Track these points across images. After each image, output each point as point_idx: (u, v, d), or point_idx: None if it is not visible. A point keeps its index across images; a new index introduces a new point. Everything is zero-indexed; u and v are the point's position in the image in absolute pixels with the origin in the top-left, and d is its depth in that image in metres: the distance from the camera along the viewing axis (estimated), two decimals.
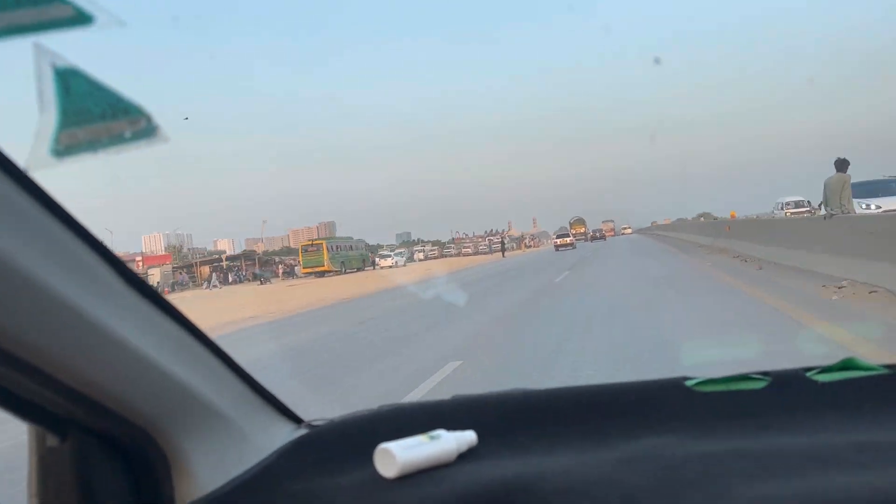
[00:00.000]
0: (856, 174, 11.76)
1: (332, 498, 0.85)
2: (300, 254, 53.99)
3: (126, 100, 0.67)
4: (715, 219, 43.04)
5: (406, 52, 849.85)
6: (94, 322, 0.69)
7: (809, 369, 0.97)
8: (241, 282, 59.51)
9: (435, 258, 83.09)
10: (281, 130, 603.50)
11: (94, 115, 0.66)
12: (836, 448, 0.78)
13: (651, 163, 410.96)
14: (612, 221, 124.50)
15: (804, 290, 9.39)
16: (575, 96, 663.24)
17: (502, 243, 60.34)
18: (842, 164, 11.28)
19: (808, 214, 22.51)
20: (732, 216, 25.35)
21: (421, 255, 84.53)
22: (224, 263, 66.33)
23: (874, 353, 5.32)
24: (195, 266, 66.43)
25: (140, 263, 64.96)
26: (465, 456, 0.92)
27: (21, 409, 0.77)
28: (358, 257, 56.42)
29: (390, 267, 58.03)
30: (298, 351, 9.53)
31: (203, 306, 24.27)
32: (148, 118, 0.68)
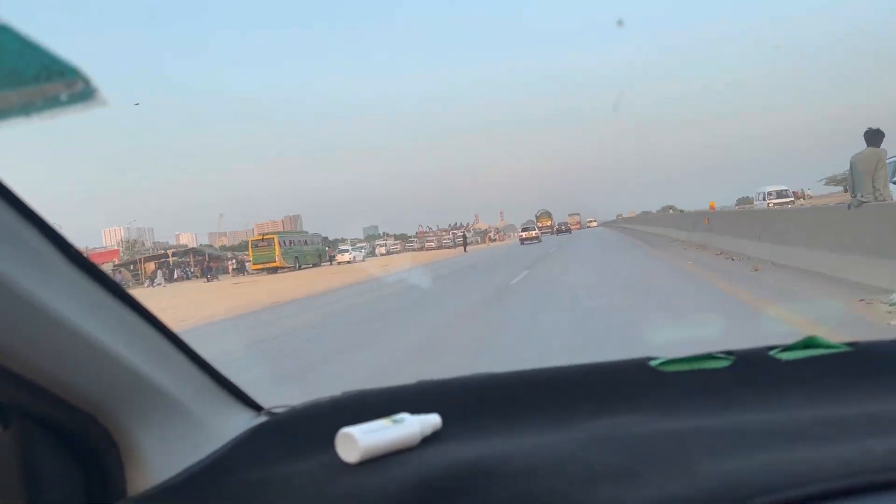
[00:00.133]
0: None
1: (291, 485, 0.84)
2: (250, 249, 51.13)
3: (62, 60, 0.64)
4: (681, 211, 41.33)
5: (373, 44, 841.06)
6: (35, 303, 0.67)
7: (772, 348, 0.99)
8: (188, 278, 56.46)
9: (397, 252, 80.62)
10: (249, 124, 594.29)
11: (27, 76, 0.63)
12: (801, 423, 0.80)
13: (616, 156, 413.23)
14: (578, 215, 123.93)
15: (840, 306, 6.84)
16: (543, 91, 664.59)
17: (464, 238, 58.23)
18: (874, 137, 8.48)
19: (792, 205, 20.63)
20: (712, 207, 23.04)
21: (383, 250, 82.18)
22: (171, 259, 62.78)
23: None
24: (139, 262, 62.71)
25: None
26: (430, 439, 0.91)
27: None
28: (313, 252, 54.08)
29: (348, 262, 55.73)
30: None
31: None
32: (85, 80, 0.64)
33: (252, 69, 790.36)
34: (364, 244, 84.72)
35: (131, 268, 60.93)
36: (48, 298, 0.69)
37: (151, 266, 61.02)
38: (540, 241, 52.31)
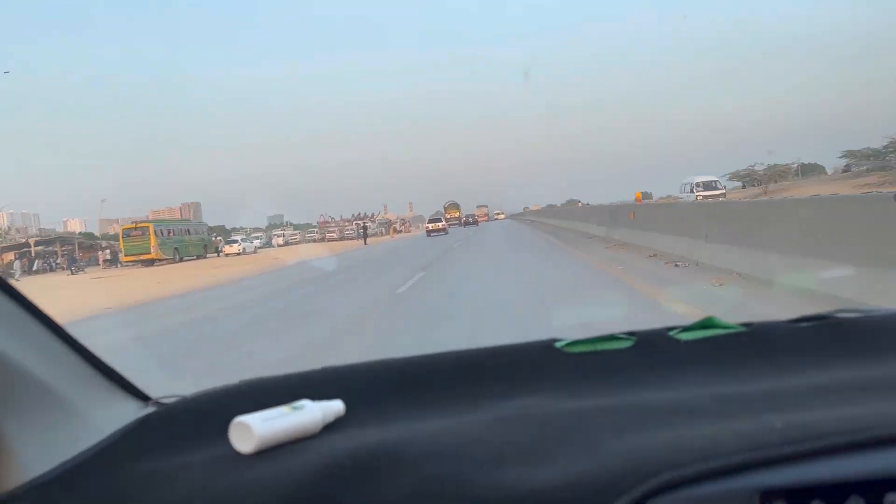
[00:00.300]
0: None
1: (179, 477, 0.80)
2: (121, 239, 45.45)
3: None
4: (587, 205, 39.83)
5: (282, 31, 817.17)
6: None
7: (672, 329, 1.02)
8: (51, 270, 50.19)
9: (296, 243, 75.78)
10: (149, 108, 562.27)
11: None
12: (701, 400, 0.81)
13: (524, 151, 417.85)
14: (486, 207, 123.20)
15: None
16: (454, 83, 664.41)
17: (364, 229, 54.19)
18: None
19: (723, 198, 18.37)
20: (638, 199, 20.34)
21: (280, 241, 76.97)
22: (33, 249, 55.69)
23: None
24: None
25: None
26: (332, 426, 0.89)
27: None
28: (197, 243, 49.27)
29: (237, 254, 51.40)
30: None
31: None
32: None
33: (154, 52, 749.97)
34: (260, 234, 79.62)
35: None
36: None
37: (10, 256, 53.98)
38: (447, 233, 50.54)
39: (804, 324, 1.02)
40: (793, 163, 58.04)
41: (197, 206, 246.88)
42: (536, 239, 26.35)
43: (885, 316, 1.04)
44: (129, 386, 1.00)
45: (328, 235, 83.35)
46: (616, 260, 13.00)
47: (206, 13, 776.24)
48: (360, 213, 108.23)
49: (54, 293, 21.13)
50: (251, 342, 7.92)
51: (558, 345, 1.01)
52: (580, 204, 57.59)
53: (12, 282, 0.90)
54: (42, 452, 0.82)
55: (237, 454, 0.83)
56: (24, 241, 59.96)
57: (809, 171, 61.00)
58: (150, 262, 42.01)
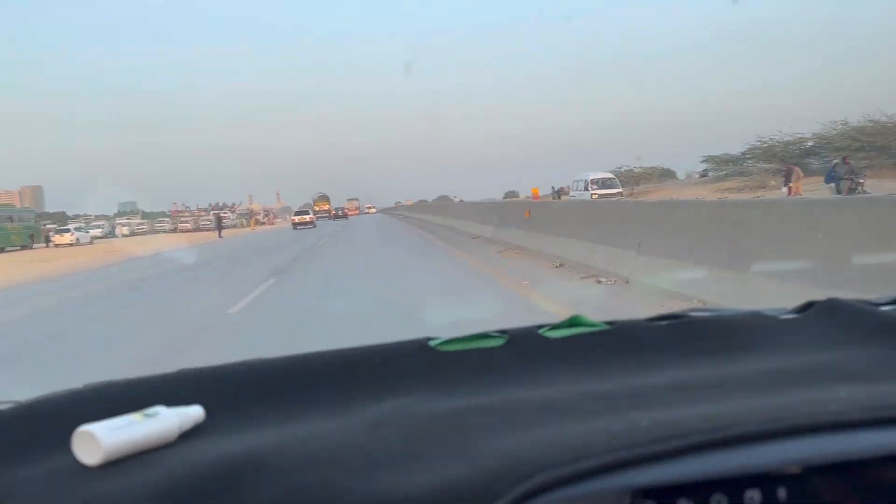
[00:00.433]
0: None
1: (16, 493, 0.71)
2: None
3: None
4: (462, 201, 38.36)
5: (148, 14, 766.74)
6: None
7: (542, 327, 1.02)
8: None
9: (143, 233, 68.91)
10: None
11: None
12: (569, 398, 0.82)
13: (397, 144, 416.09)
14: (357, 200, 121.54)
15: None
16: (329, 71, 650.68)
17: (218, 220, 49.29)
18: None
19: (620, 198, 16.51)
20: (535, 195, 17.94)
21: (125, 230, 69.60)
22: None
23: None
24: None
25: None
26: (190, 434, 0.81)
27: None
28: (22, 232, 43.84)
29: (70, 245, 45.96)
30: None
31: None
32: None
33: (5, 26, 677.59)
34: (102, 223, 71.51)
35: None
36: None
37: None
38: (315, 226, 48.44)
39: (663, 322, 1.04)
40: (657, 167, 59.53)
41: (38, 189, 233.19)
42: (414, 237, 23.61)
43: (733, 316, 1.07)
44: None
45: (181, 226, 76.62)
46: (515, 270, 10.42)
47: None
48: (217, 203, 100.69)
49: None
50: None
51: (432, 343, 0.98)
52: (456, 199, 55.75)
53: None
54: None
55: (81, 467, 0.74)
56: None
57: (665, 175, 62.77)
58: None
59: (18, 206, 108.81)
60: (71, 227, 53.26)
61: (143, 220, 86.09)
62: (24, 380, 5.60)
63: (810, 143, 43.52)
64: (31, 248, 42.91)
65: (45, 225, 50.40)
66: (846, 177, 20.76)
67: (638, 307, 6.35)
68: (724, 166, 49.04)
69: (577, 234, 10.64)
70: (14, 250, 41.01)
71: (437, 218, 33.88)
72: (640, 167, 53.27)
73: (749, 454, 0.66)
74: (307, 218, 49.83)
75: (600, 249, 9.41)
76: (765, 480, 0.66)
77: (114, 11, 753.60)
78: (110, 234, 64.24)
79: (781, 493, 0.67)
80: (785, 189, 23.49)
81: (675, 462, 0.65)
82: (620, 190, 18.06)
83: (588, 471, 0.63)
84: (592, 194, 18.32)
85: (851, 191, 20.30)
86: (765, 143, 45.20)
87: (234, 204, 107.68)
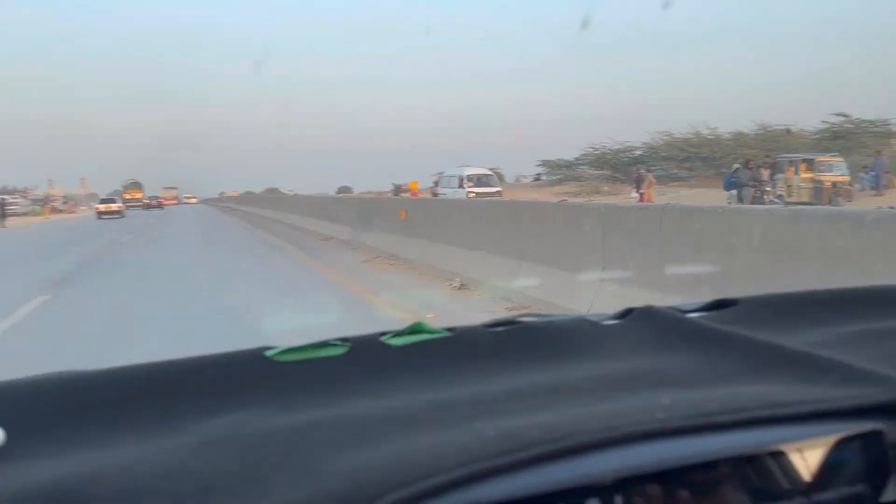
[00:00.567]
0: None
1: None
2: None
3: None
4: (297, 194, 35.62)
5: None
6: None
7: (384, 334, 0.99)
8: None
9: None
10: None
11: None
12: (414, 408, 0.80)
13: (223, 131, 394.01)
14: (176, 189, 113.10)
15: None
16: (154, 46, 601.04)
17: (1, 206, 42.34)
18: None
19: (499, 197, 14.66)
20: (414, 190, 15.44)
21: None
22: None
23: None
24: None
25: None
26: None
27: None
28: None
29: None
30: None
31: None
32: None
33: None
34: None
35: None
36: None
37: None
38: (123, 216, 43.88)
39: (498, 328, 1.04)
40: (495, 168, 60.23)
41: None
42: (242, 234, 20.48)
43: (562, 322, 1.07)
44: None
45: None
46: (400, 289, 8.06)
47: None
48: (6, 186, 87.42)
49: None
50: None
51: (269, 353, 0.93)
52: (290, 192, 51.94)
53: None
54: None
55: None
56: None
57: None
58: None
59: None
60: None
61: None
62: None
63: (639, 152, 45.73)
64: None
65: None
66: (750, 183, 19.22)
67: None
68: (557, 171, 50.25)
69: (483, 244, 8.49)
70: None
71: (266, 210, 30.98)
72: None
73: (587, 463, 0.67)
74: (114, 206, 45.54)
75: (508, 263, 7.36)
76: (602, 490, 0.67)
77: None
78: None
79: (618, 500, 0.67)
80: (636, 195, 23.28)
81: (521, 474, 0.65)
82: (499, 189, 16.34)
83: (439, 487, 0.61)
84: (468, 192, 16.38)
85: (756, 199, 19.10)
86: (597, 149, 47.00)
87: (24, 188, 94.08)
